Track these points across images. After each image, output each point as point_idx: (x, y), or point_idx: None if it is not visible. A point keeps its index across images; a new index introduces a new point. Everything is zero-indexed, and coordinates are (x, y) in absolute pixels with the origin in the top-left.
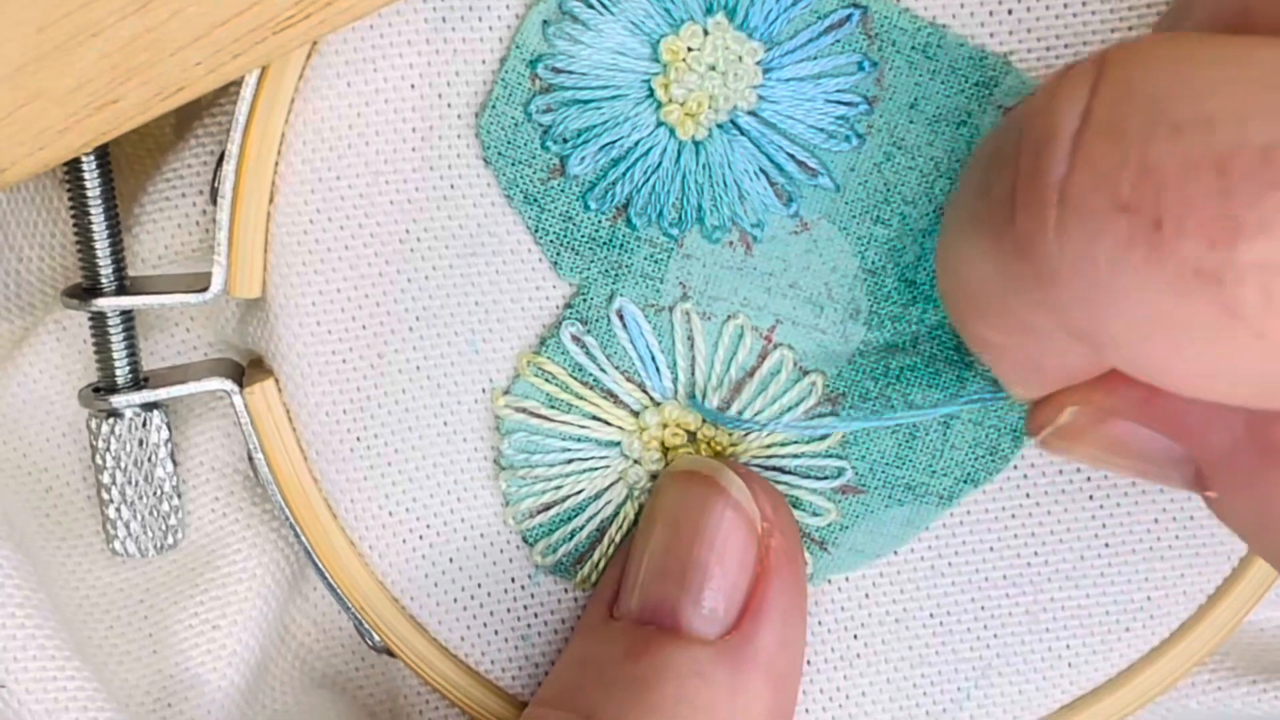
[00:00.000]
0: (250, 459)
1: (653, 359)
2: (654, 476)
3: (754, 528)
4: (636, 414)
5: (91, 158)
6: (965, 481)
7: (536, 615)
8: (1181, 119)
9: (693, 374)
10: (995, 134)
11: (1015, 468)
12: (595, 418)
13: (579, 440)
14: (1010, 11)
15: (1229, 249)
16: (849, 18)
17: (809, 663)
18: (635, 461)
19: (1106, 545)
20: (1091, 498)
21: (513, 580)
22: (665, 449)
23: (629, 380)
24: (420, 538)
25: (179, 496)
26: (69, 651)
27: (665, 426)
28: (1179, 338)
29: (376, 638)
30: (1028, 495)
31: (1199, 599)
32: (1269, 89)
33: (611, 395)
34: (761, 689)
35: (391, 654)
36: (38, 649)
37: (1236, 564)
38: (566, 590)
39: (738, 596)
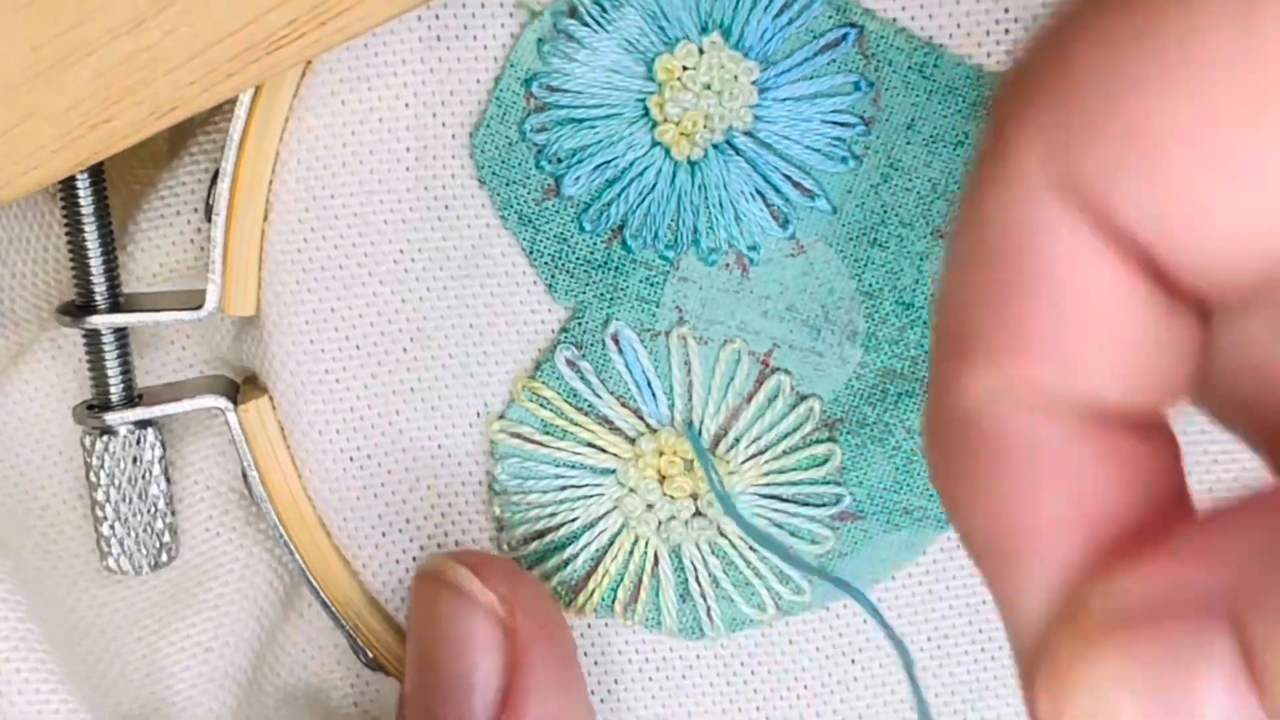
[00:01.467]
0: (245, 476)
1: (649, 385)
2: (650, 506)
3: (493, 616)
4: (633, 441)
5: (85, 176)
6: None
7: None
8: None
9: (690, 400)
10: None
11: None
12: (590, 444)
13: (574, 467)
14: (1007, 31)
15: None
16: (845, 37)
17: (806, 687)
18: (631, 490)
19: None
20: None
21: None
22: (662, 477)
23: (625, 406)
24: (414, 559)
25: (173, 514)
26: (56, 681)
27: (662, 454)
28: None
29: (370, 655)
30: None
31: None
32: None
33: (607, 421)
34: None
35: (386, 671)
36: (23, 682)
37: None
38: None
39: (490, 694)
